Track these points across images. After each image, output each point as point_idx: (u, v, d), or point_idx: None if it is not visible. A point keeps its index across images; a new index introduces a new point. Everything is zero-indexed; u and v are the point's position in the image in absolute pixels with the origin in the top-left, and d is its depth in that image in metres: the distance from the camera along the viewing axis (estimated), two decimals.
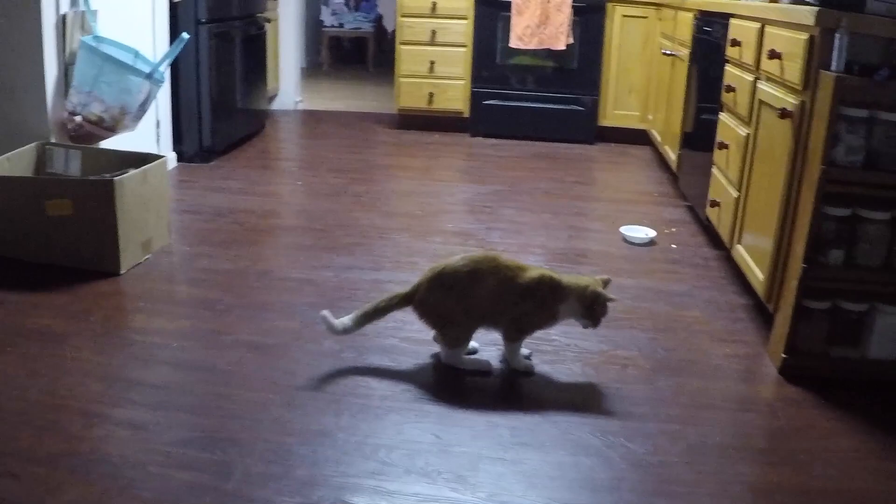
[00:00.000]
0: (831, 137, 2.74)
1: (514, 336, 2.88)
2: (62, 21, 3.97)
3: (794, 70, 3.03)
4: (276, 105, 7.95)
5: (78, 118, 4.00)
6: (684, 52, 5.26)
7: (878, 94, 2.75)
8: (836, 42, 2.74)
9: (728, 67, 4.05)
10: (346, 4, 11.36)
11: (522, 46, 6.63)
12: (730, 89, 3.93)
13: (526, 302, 2.80)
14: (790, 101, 3.04)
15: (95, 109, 4.00)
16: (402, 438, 2.47)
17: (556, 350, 3.08)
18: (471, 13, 6.77)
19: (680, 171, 5.25)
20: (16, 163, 3.78)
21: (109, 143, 4.26)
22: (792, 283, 2.92)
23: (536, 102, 6.90)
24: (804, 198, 2.88)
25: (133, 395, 2.63)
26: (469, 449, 2.43)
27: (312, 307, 3.33)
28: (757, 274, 3.30)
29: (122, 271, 3.58)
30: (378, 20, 11.53)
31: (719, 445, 2.52)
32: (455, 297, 2.82)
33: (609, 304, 2.84)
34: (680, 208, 5.05)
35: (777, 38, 3.28)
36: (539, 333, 2.98)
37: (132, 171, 3.64)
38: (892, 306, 2.88)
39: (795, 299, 2.90)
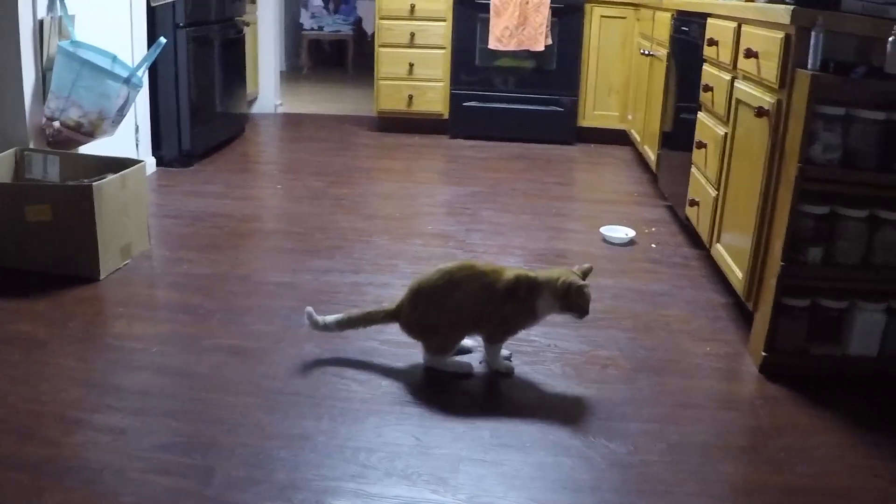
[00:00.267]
0: (808, 135, 2.75)
1: (497, 338, 2.88)
2: (39, 26, 3.95)
3: (770, 69, 3.04)
4: (256, 108, 7.93)
5: (56, 123, 3.98)
6: (662, 52, 5.28)
7: (855, 91, 2.76)
8: (812, 40, 2.75)
9: (706, 67, 4.06)
10: (326, 7, 11.34)
11: (501, 48, 6.63)
12: (707, 89, 3.94)
13: (508, 303, 2.80)
14: (767, 99, 3.05)
15: (74, 114, 3.98)
16: (382, 441, 2.47)
17: (537, 351, 3.08)
18: (449, 15, 6.76)
19: (659, 170, 5.26)
20: None
21: (88, 149, 4.24)
22: (771, 282, 2.93)
23: (516, 104, 6.90)
24: (782, 196, 2.89)
25: (113, 401, 2.63)
26: (449, 451, 2.43)
27: (292, 311, 3.33)
28: (736, 272, 3.31)
29: (101, 277, 3.57)
30: (357, 23, 11.51)
31: (700, 444, 2.52)
32: (436, 310, 2.84)
33: (587, 290, 2.79)
34: (659, 208, 5.06)
35: (753, 36, 3.30)
36: (520, 334, 2.97)
37: (111, 177, 3.63)
38: (871, 303, 2.89)
39: (775, 297, 2.91)
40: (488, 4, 6.59)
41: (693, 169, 4.15)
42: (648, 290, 3.72)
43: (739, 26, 3.53)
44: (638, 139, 6.11)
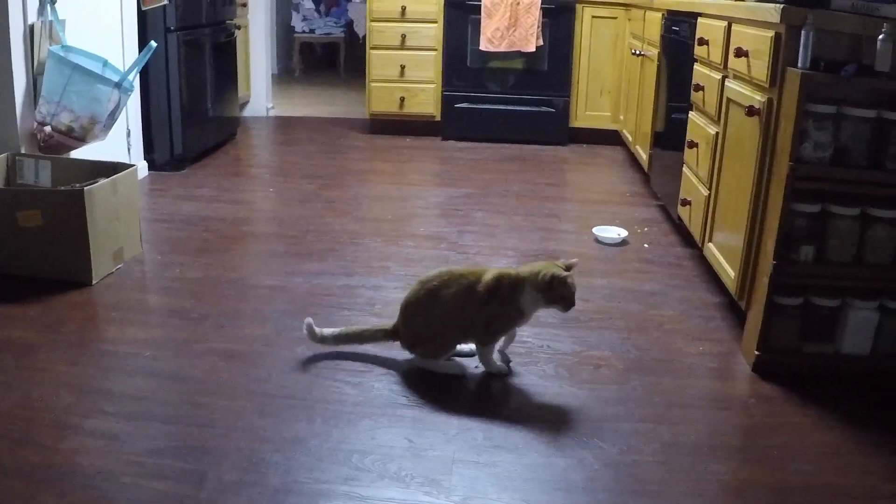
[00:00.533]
0: (799, 134, 2.76)
1: (487, 339, 2.88)
2: (30, 31, 3.94)
3: (760, 68, 3.04)
4: (248, 112, 7.93)
5: (47, 128, 3.97)
6: (654, 52, 5.28)
7: (845, 90, 2.77)
8: (802, 39, 2.75)
9: (697, 66, 4.07)
10: (317, 10, 11.33)
11: (492, 49, 6.63)
12: (698, 88, 3.95)
13: (491, 303, 2.80)
14: (757, 98, 3.05)
15: (65, 119, 3.98)
16: (375, 443, 2.46)
17: (529, 351, 3.08)
18: (440, 17, 6.76)
19: (651, 170, 5.27)
20: None
21: (80, 153, 4.24)
22: (763, 280, 2.93)
23: (508, 105, 6.90)
24: (773, 195, 2.89)
25: (106, 406, 2.62)
26: (442, 452, 2.43)
27: (285, 314, 3.33)
28: (728, 272, 3.31)
29: (93, 281, 3.56)
30: (349, 25, 11.50)
31: (693, 444, 2.52)
32: (423, 321, 2.87)
33: (570, 281, 2.77)
34: (652, 208, 5.06)
35: (744, 36, 3.30)
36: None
37: (102, 181, 3.62)
38: (863, 301, 2.89)
39: (767, 296, 2.91)
40: (479, 6, 6.59)
41: (685, 168, 4.16)
42: (641, 290, 3.72)
43: (730, 25, 3.53)
44: (630, 139, 6.11)
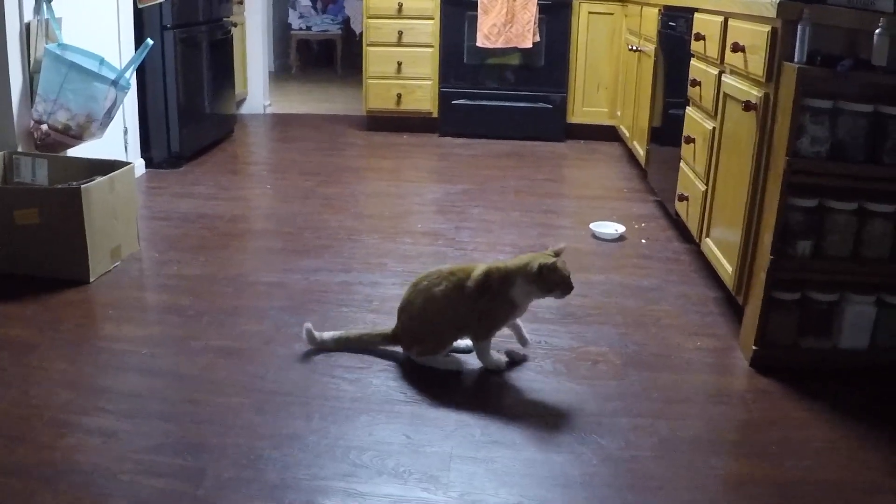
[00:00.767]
0: (796, 129, 2.75)
1: (483, 334, 2.87)
2: (26, 29, 3.93)
3: (757, 62, 3.04)
4: (245, 109, 7.92)
5: (44, 127, 3.97)
6: (650, 48, 5.28)
7: (842, 84, 2.77)
8: (799, 33, 2.75)
9: (693, 62, 4.06)
10: (314, 7, 11.32)
11: (489, 45, 6.62)
12: (695, 83, 3.94)
13: (482, 298, 2.81)
14: (754, 93, 3.05)
15: (61, 117, 3.97)
16: (372, 440, 2.46)
17: (527, 347, 3.08)
18: (437, 13, 6.76)
19: (648, 166, 5.27)
20: None
21: (77, 152, 4.23)
22: (761, 275, 2.93)
23: (505, 101, 6.90)
24: (770, 189, 2.89)
25: (103, 403, 2.62)
26: (440, 449, 2.43)
27: (282, 311, 3.33)
28: (726, 267, 3.31)
29: (91, 279, 3.56)
30: (345, 22, 11.50)
31: (691, 439, 2.52)
32: (418, 323, 2.88)
33: (560, 266, 2.76)
34: (649, 203, 5.06)
35: (740, 31, 3.30)
36: (508, 331, 2.98)
37: (99, 179, 3.62)
38: (861, 296, 2.90)
39: (765, 291, 2.91)
40: (476, 2, 6.59)
41: (682, 164, 4.15)
42: (638, 286, 3.72)
43: (726, 21, 3.53)
44: (627, 135, 6.11)
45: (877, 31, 2.66)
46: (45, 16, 4.03)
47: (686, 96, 4.15)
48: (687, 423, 2.61)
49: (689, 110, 4.08)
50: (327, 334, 3.00)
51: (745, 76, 3.24)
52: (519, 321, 2.98)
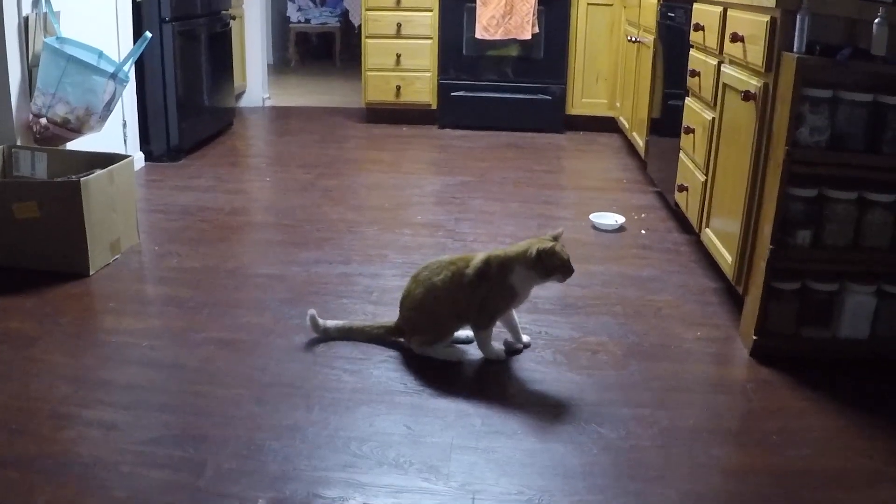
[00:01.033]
0: (795, 118, 2.75)
1: (484, 323, 2.87)
2: (24, 23, 3.93)
3: (756, 52, 3.04)
4: (244, 102, 7.91)
5: (43, 120, 3.96)
6: (649, 39, 5.27)
7: (841, 74, 2.77)
8: (798, 23, 2.75)
9: (692, 52, 4.06)
10: (312, 0, 11.31)
11: (488, 37, 6.61)
12: (694, 74, 3.94)
13: (482, 286, 2.81)
14: (753, 83, 3.05)
15: (60, 111, 3.97)
16: (373, 430, 2.47)
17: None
18: (436, 5, 6.74)
19: (648, 157, 5.26)
20: None
21: (76, 145, 4.23)
22: (760, 265, 2.93)
23: (504, 93, 6.89)
24: (770, 179, 2.89)
25: (104, 396, 2.62)
26: (440, 439, 2.43)
27: (282, 303, 3.33)
28: (726, 257, 3.31)
29: (90, 272, 3.56)
30: (344, 15, 11.48)
31: (691, 428, 2.53)
32: (419, 311, 2.89)
33: (558, 249, 2.77)
34: (649, 194, 5.06)
35: (739, 20, 3.29)
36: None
37: (99, 172, 3.62)
38: (861, 285, 2.90)
39: (764, 281, 2.91)
40: None
41: (681, 154, 4.15)
42: (638, 276, 3.72)
43: (725, 11, 3.52)
44: (626, 126, 6.10)
45: (876, 20, 2.66)
46: (44, 9, 4.03)
47: (685, 87, 4.14)
48: (687, 413, 2.61)
49: (689, 101, 4.07)
50: (331, 322, 3.01)
51: (744, 66, 3.24)
52: (516, 320, 2.99)
